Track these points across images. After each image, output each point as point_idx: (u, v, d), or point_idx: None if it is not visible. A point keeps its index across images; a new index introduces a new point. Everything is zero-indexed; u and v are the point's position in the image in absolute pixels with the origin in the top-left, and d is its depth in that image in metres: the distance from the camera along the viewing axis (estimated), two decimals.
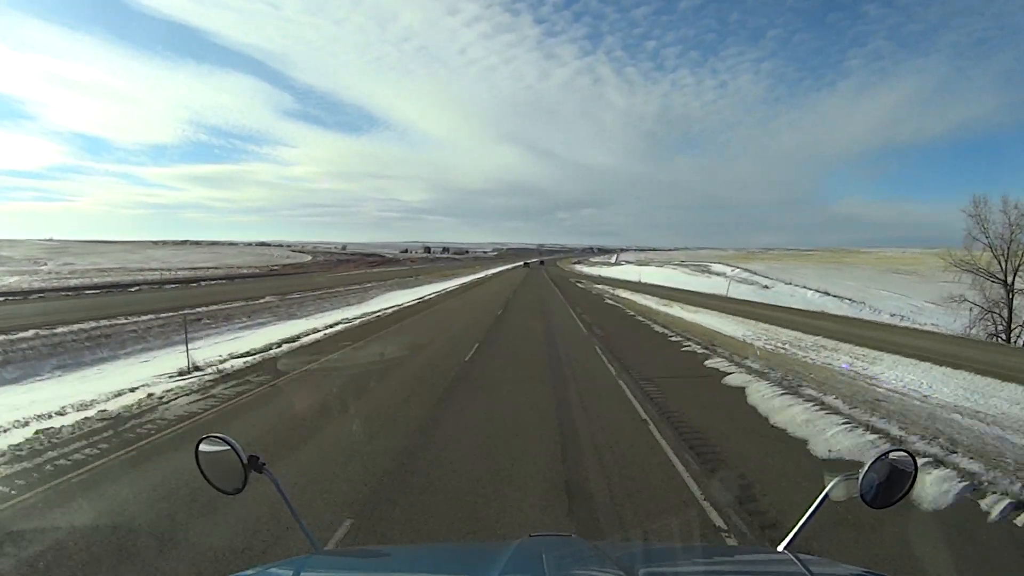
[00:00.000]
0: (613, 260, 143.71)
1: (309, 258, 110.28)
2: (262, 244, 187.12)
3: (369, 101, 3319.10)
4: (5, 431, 6.67)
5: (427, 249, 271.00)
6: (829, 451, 6.09)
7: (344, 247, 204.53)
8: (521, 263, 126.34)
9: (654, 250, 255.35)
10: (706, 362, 11.68)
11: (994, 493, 4.77)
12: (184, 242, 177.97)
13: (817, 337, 16.35)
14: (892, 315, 27.52)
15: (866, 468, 1.43)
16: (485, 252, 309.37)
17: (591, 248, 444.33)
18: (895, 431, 6.59)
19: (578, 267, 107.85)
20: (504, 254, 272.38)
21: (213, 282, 45.38)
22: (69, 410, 7.59)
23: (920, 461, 4.50)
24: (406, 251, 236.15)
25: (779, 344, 15.01)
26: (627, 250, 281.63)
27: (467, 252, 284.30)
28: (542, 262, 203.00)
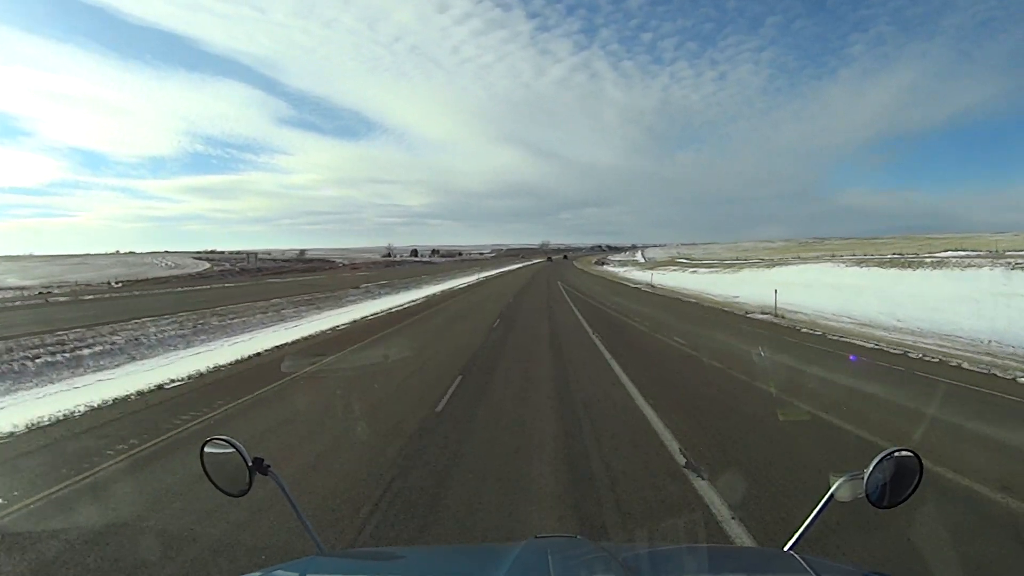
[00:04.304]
0: (641, 259, 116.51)
1: (207, 266, 77.72)
2: (213, 252, 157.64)
3: (365, 105, 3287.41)
4: None
5: (413, 252, 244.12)
6: None
7: (303, 252, 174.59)
8: (519, 266, 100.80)
9: (661, 246, 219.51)
10: None
11: None
12: (165, 252, 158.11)
13: None
14: None
15: (871, 468, 1.38)
16: (482, 254, 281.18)
17: (599, 246, 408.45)
18: None
19: (618, 271, 72.56)
20: (501, 255, 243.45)
21: None
22: None
23: None
24: (388, 255, 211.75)
25: None
26: (641, 247, 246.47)
27: (459, 254, 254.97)
28: (565, 256, 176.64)
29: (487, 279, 53.81)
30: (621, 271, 66.92)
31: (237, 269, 72.27)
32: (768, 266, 31.09)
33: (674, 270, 46.14)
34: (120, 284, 61.42)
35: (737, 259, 54.27)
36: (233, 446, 1.46)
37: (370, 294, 30.95)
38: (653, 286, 35.52)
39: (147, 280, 65.03)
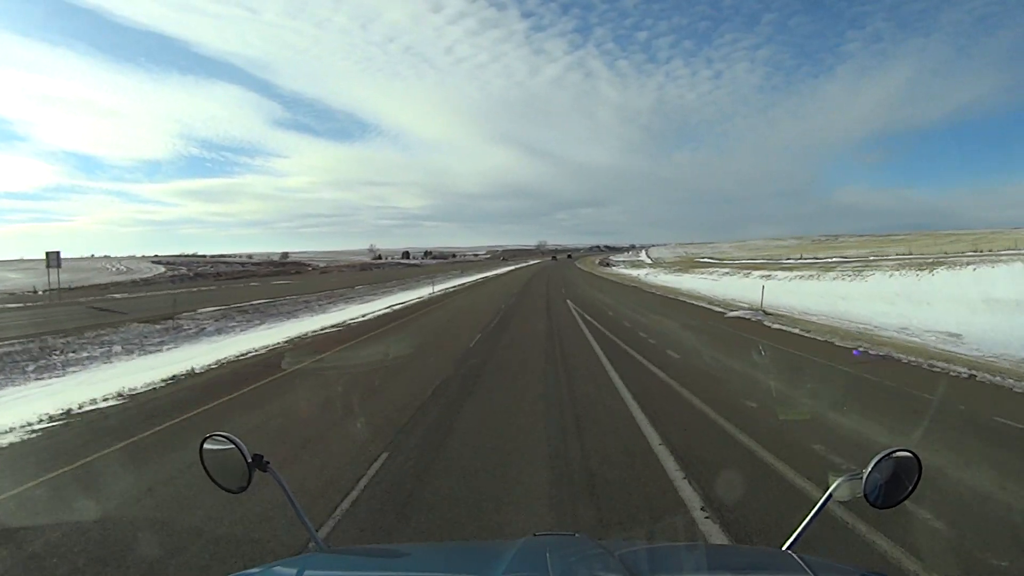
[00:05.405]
0: (646, 259, 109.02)
1: (160, 270, 68.01)
2: (194, 255, 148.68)
3: (359, 106, 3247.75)
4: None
5: (404, 254, 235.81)
6: None
7: (286, 255, 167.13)
8: (508, 269, 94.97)
9: (662, 245, 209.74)
10: None
11: None
12: (156, 255, 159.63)
13: None
14: None
15: (870, 468, 1.36)
16: (476, 255, 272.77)
17: (597, 246, 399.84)
18: None
19: (638, 274, 62.88)
20: (497, 256, 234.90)
21: None
22: None
23: None
24: (379, 257, 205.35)
25: None
26: (641, 246, 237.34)
27: (453, 256, 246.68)
28: (569, 256, 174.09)
29: (457, 289, 39.53)
30: (640, 274, 56.82)
31: (191, 274, 62.71)
32: (923, 267, 20.78)
33: (725, 274, 36.22)
34: (44, 292, 53.49)
35: (757, 259, 45.00)
36: (233, 442, 1.45)
37: (216, 327, 18.45)
38: (768, 313, 18.10)
39: (83, 287, 56.64)
